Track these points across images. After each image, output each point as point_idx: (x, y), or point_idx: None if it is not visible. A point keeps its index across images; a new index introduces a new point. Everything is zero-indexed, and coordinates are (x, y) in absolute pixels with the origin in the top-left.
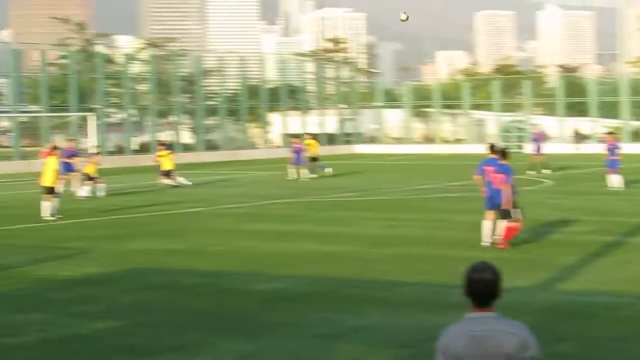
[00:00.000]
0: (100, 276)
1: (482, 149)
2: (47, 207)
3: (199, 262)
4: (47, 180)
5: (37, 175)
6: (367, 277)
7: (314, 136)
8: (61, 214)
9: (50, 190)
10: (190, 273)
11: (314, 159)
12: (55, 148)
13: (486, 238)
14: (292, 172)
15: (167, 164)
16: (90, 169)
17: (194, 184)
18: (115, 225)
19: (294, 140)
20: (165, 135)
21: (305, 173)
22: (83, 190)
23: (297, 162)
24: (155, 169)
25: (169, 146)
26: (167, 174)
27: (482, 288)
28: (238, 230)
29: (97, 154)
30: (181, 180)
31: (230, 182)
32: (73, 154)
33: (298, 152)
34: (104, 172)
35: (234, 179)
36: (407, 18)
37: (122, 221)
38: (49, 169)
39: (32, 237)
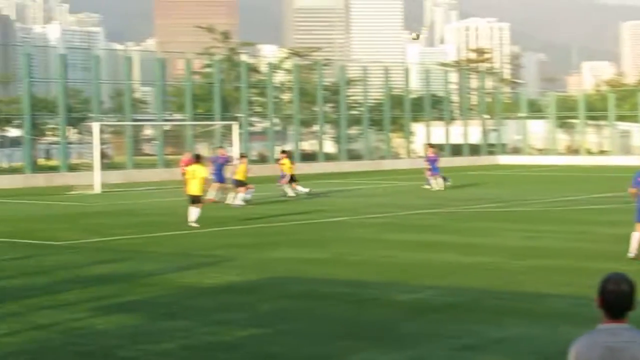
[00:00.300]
0: (242, 284)
1: (627, 161)
2: (194, 215)
3: (339, 272)
4: (193, 189)
5: (181, 183)
6: (508, 288)
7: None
8: (200, 223)
9: (197, 199)
10: (330, 282)
11: None
12: (199, 157)
13: (633, 250)
14: (434, 183)
15: (287, 171)
16: (240, 175)
17: (335, 193)
18: (258, 233)
19: (429, 150)
20: (308, 145)
21: (440, 183)
22: (237, 199)
23: (433, 172)
24: (297, 179)
25: (291, 155)
26: (292, 179)
27: (617, 299)
28: (379, 240)
29: (243, 157)
30: (286, 188)
31: (372, 192)
32: (226, 160)
33: (432, 161)
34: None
35: (377, 188)
36: (418, 37)
37: (265, 230)
38: (196, 177)
39: (175, 245)
